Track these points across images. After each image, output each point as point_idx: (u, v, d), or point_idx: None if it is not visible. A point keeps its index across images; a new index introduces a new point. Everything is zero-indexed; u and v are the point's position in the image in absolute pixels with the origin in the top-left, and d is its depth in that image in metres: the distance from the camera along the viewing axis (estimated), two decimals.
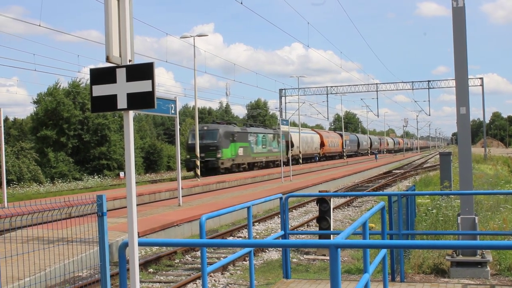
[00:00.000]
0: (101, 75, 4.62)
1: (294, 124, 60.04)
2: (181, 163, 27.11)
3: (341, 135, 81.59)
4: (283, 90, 62.78)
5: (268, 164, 52.34)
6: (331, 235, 10.81)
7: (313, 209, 20.79)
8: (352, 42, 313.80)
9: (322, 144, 69.52)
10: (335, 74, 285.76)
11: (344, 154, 76.37)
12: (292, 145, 54.11)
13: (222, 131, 42.49)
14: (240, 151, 44.75)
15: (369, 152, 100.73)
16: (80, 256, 10.43)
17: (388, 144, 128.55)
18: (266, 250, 12.85)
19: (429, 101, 64.39)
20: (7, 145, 46.34)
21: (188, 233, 15.43)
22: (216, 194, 25.05)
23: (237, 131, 44.54)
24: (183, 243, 7.18)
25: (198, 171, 33.09)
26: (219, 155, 41.18)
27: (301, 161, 57.75)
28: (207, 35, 35.70)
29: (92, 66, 4.80)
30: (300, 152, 58.20)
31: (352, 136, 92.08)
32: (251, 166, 48.21)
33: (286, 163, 52.81)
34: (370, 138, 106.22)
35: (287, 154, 54.01)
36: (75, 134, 57.96)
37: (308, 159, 64.99)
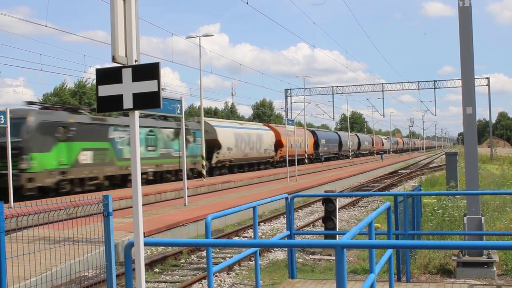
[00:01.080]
0: (107, 75, 4.63)
1: (299, 124, 59.85)
2: None
3: (314, 133, 64.46)
4: (289, 90, 62.78)
5: (163, 177, 32.45)
6: (337, 235, 10.80)
7: (319, 209, 20.77)
8: (358, 42, 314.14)
9: (278, 145, 51.27)
10: (341, 74, 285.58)
11: (346, 156, 73.57)
12: (219, 147, 39.73)
13: (34, 120, 23.25)
14: (85, 157, 25.71)
15: (354, 153, 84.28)
16: (86, 256, 10.45)
17: (383, 145, 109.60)
18: (272, 250, 12.84)
19: (435, 101, 64.12)
20: None
21: (193, 233, 15.44)
22: (222, 194, 25.06)
23: (78, 121, 25.55)
24: (188, 243, 7.19)
25: (204, 171, 33.05)
26: (25, 165, 22.51)
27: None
28: (213, 35, 35.72)
29: (98, 66, 4.81)
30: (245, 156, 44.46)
31: (329, 135, 73.42)
32: (116, 181, 27.99)
33: (195, 175, 35.15)
34: (358, 137, 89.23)
35: (209, 159, 38.33)
36: None
37: (252, 165, 46.87)
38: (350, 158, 73.77)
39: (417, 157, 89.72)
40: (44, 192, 23.38)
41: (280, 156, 51.45)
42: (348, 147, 76.42)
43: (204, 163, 33.43)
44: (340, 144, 74.30)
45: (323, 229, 12.86)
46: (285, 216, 17.50)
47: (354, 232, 4.75)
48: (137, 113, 4.67)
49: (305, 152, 54.54)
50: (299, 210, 20.69)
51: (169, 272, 11.24)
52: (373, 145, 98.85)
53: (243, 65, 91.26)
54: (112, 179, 27.67)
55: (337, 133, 77.51)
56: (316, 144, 63.61)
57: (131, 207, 5.21)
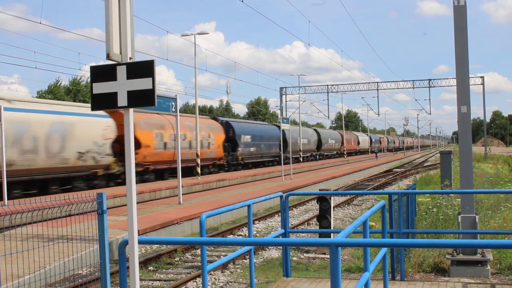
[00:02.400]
0: (102, 73, 4.61)
1: (294, 123, 59.81)
2: None
3: (228, 126, 41.47)
4: (284, 89, 62.78)
5: None
6: (332, 234, 10.80)
7: (314, 208, 20.78)
8: (353, 40, 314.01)
9: (137, 145, 28.75)
10: (336, 72, 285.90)
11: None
12: None
13: None
14: None
15: (312, 155, 62.50)
16: (80, 254, 10.43)
17: (359, 143, 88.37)
18: (267, 249, 12.84)
19: (429, 99, 64.82)
20: None
21: (188, 231, 15.43)
22: (217, 192, 25.04)
23: None
24: (183, 241, 7.18)
25: (199, 170, 33.01)
26: None
27: None
28: (208, 33, 35.63)
29: (93, 64, 4.79)
30: None
31: (260, 130, 48.89)
32: None
33: None
34: (318, 133, 65.51)
35: None
36: None
37: (45, 185, 23.67)
38: (345, 157, 73.51)
39: (411, 155, 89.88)
40: None
41: (137, 162, 27.32)
42: (299, 147, 53.89)
43: (199, 161, 33.37)
44: (282, 143, 45.84)
45: (317, 227, 12.87)
46: (279, 214, 17.50)
47: (348, 231, 4.75)
48: (131, 111, 4.66)
49: (208, 154, 37.18)
50: (293, 209, 20.70)
51: (164, 270, 11.23)
52: (342, 144, 76.62)
53: (239, 63, 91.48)
54: None
55: (278, 127, 50.38)
56: (232, 143, 41.63)
57: (125, 205, 5.20)
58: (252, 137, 44.43)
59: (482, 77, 60.52)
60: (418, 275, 8.92)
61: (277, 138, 49.81)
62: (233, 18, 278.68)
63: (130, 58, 4.61)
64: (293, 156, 52.22)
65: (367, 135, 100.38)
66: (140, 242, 4.88)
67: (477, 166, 34.28)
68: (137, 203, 5.75)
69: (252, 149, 43.79)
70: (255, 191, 24.06)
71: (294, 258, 11.55)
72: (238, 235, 15.37)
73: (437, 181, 23.41)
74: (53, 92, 59.27)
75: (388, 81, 62.14)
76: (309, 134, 61.55)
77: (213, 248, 12.93)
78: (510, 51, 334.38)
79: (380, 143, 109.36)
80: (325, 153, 68.24)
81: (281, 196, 8.56)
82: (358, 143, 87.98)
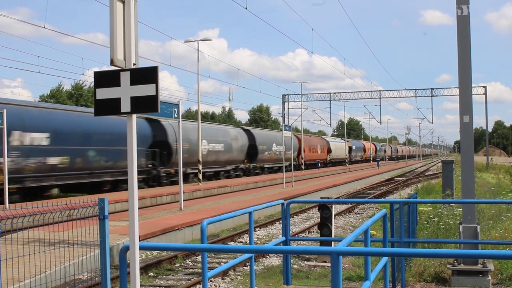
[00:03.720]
0: (105, 78, 4.63)
1: (296, 130, 59.67)
2: None
3: None
4: (286, 96, 62.83)
5: None
6: (333, 242, 10.79)
7: (315, 216, 20.76)
8: (356, 49, 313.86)
9: None
10: (339, 80, 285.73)
11: None
12: None
13: None
14: None
15: (244, 169, 42.02)
16: (81, 259, 10.42)
17: (329, 151, 67.46)
18: (267, 256, 12.82)
19: (432, 109, 64.30)
20: None
21: (189, 237, 15.41)
22: (218, 198, 25.02)
23: None
24: (184, 247, 7.17)
25: (200, 176, 33.00)
26: None
27: None
28: (211, 40, 35.73)
29: (96, 69, 4.81)
30: None
31: (92, 123, 25.04)
32: None
33: None
34: (250, 135, 44.24)
35: None
36: None
37: None
38: (347, 164, 73.29)
39: (412, 164, 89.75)
40: None
41: None
42: (199, 155, 32.89)
43: (200, 167, 33.36)
44: (169, 148, 32.01)
45: (318, 235, 12.85)
46: (280, 221, 17.47)
47: (350, 239, 4.74)
48: (134, 116, 4.67)
49: None
50: (294, 216, 20.67)
51: (164, 276, 11.22)
52: (301, 152, 53.66)
53: (241, 70, 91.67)
54: None
55: (149, 120, 31.02)
56: None
57: (127, 210, 5.20)
58: (53, 138, 22.96)
59: (485, 87, 60.69)
60: (418, 284, 8.90)
61: (142, 140, 29.01)
62: (237, 25, 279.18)
63: (134, 64, 4.62)
64: (191, 171, 33.22)
65: (346, 141, 79.24)
66: (141, 248, 4.88)
67: (479, 176, 34.25)
68: (138, 208, 5.76)
69: (54, 159, 23.06)
70: (256, 198, 24.03)
71: (295, 266, 11.53)
72: (239, 242, 15.35)
73: (438, 191, 23.38)
74: (56, 97, 59.39)
75: (390, 90, 62.30)
76: (230, 135, 38.91)
77: (213, 255, 12.91)
78: None
79: (365, 151, 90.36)
80: (265, 165, 45.34)
81: (282, 204, 8.55)
82: (329, 151, 67.61)
